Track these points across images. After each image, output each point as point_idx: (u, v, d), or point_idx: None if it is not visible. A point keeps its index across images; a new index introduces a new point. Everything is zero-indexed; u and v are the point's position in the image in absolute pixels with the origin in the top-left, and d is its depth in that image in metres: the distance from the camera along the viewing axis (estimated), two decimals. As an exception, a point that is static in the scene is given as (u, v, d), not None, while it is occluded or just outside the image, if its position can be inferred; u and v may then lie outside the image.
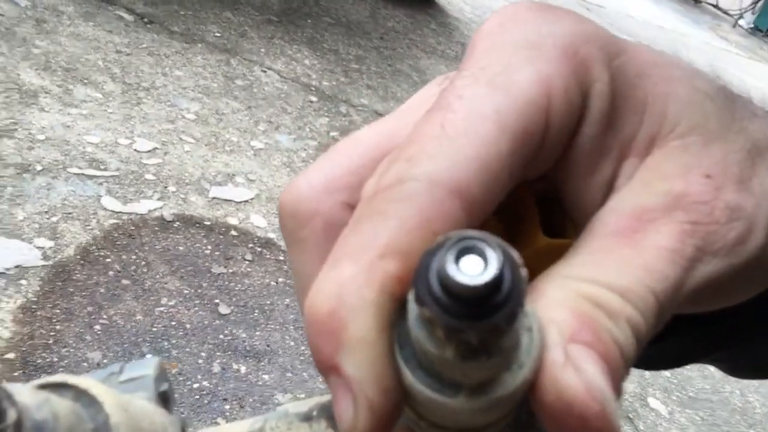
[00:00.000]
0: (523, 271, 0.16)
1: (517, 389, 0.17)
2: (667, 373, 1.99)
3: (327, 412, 0.28)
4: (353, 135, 0.24)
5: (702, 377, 2.05)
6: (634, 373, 1.92)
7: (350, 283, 0.18)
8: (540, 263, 0.21)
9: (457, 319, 0.15)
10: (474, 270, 0.15)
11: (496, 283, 0.15)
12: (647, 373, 1.94)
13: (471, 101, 0.19)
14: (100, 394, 0.22)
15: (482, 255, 0.16)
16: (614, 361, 0.18)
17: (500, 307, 0.15)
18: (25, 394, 0.18)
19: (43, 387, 0.21)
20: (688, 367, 2.20)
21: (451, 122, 0.19)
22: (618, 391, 0.18)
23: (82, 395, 0.22)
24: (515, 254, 0.16)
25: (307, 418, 0.29)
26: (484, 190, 0.19)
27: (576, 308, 0.18)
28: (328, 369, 0.18)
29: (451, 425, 0.19)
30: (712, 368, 2.19)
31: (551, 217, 0.24)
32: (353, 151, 0.23)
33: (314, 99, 2.63)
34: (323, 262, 0.19)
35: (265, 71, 2.65)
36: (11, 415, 0.15)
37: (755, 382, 2.15)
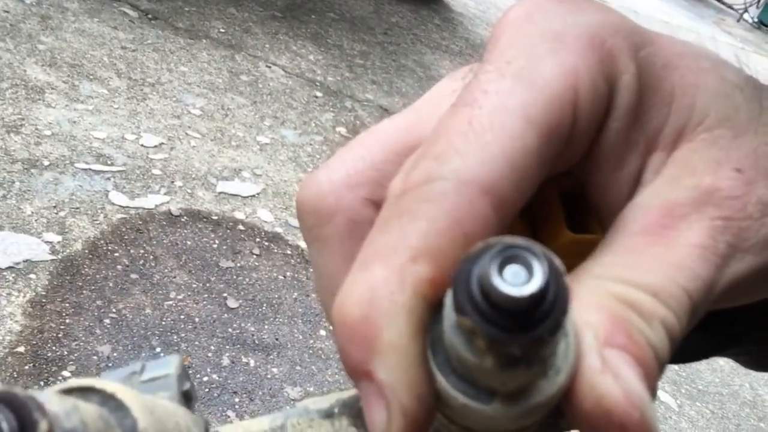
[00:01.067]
0: (567, 280, 0.16)
1: (553, 395, 0.17)
2: (675, 366, 1.99)
3: (348, 409, 0.27)
4: (373, 128, 0.23)
5: (711, 370, 2.04)
6: (643, 366, 1.92)
7: (382, 287, 0.17)
8: (565, 258, 0.20)
9: (501, 331, 0.15)
10: (519, 280, 0.15)
11: (542, 294, 0.15)
12: (656, 366, 1.95)
13: (497, 96, 0.19)
14: (127, 399, 0.21)
15: (527, 264, 0.15)
16: (649, 364, 0.18)
17: (545, 319, 0.15)
18: (53, 402, 0.18)
19: (69, 392, 0.21)
20: (696, 360, 2.20)
21: (478, 118, 0.19)
22: (654, 393, 0.18)
23: (108, 400, 0.21)
24: (559, 262, 0.16)
25: (328, 415, 0.28)
26: (513, 187, 0.18)
27: (610, 310, 0.18)
28: (359, 375, 0.18)
29: (483, 429, 0.19)
30: (721, 361, 2.18)
31: (575, 213, 0.23)
32: (374, 145, 0.22)
33: (319, 94, 2.62)
34: (346, 261, 0.20)
35: (269, 67, 2.65)
36: (43, 426, 0.15)
37: (765, 375, 2.14)
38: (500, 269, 0.15)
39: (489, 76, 0.20)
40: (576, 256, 0.20)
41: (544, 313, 0.15)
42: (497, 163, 0.18)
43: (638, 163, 0.21)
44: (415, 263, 0.17)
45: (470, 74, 0.21)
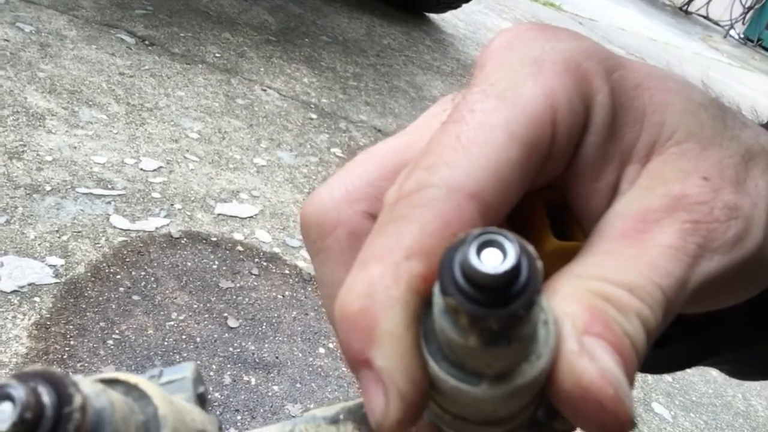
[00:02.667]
0: (539, 263, 0.18)
1: (536, 378, 0.19)
2: (669, 378, 2.01)
3: (353, 415, 0.29)
4: (369, 149, 0.26)
5: (704, 381, 2.07)
6: (637, 378, 1.94)
7: (379, 282, 0.19)
8: (552, 264, 0.23)
9: (480, 307, 0.17)
10: (494, 261, 0.17)
11: (514, 272, 0.17)
12: (650, 378, 1.97)
13: (482, 114, 0.21)
14: (148, 389, 0.23)
15: (501, 247, 0.17)
16: (625, 351, 0.20)
17: (519, 295, 0.17)
18: (85, 383, 0.20)
19: (96, 381, 0.24)
20: (690, 371, 2.21)
21: (465, 133, 0.21)
22: (631, 380, 0.20)
23: (131, 389, 0.24)
24: (531, 247, 0.18)
25: (334, 421, 0.30)
26: (497, 194, 0.21)
27: (587, 303, 0.20)
28: (359, 363, 0.20)
29: (474, 416, 0.20)
30: (714, 372, 2.21)
31: (561, 223, 0.26)
32: (370, 164, 0.25)
33: (314, 116, 2.67)
34: (348, 269, 0.21)
35: (265, 90, 2.70)
36: (77, 400, 0.17)
37: (757, 386, 2.17)
38: (478, 252, 0.17)
39: (475, 97, 0.22)
40: (562, 261, 0.23)
41: (519, 290, 0.17)
42: (482, 172, 0.20)
43: (615, 174, 0.24)
44: (409, 261, 0.19)
45: (459, 96, 0.24)
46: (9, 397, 0.16)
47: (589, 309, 0.20)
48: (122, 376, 0.25)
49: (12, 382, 0.17)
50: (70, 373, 0.20)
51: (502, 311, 0.17)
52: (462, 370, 0.19)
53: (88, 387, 0.19)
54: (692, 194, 0.22)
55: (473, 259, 0.17)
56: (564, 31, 0.24)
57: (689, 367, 0.42)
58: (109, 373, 0.24)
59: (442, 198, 0.20)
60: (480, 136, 0.21)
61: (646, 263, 0.21)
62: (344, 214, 0.24)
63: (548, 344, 0.19)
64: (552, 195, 0.25)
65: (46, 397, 0.17)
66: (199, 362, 1.38)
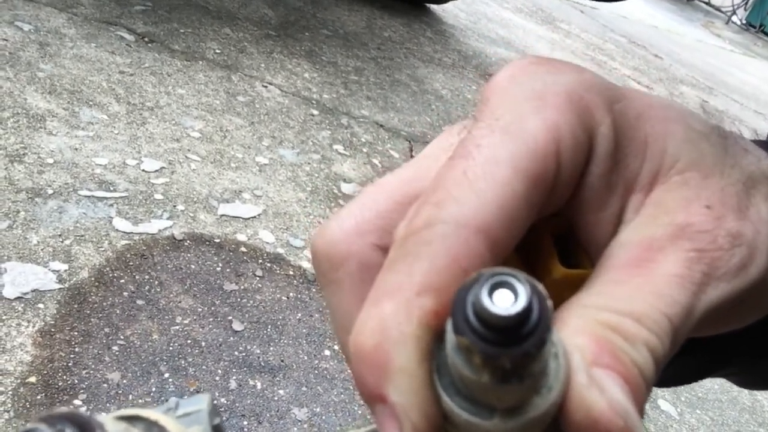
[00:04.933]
0: (549, 302, 0.18)
1: (547, 411, 0.19)
2: (675, 373, 2.02)
3: None
4: (378, 182, 0.26)
5: (710, 378, 2.07)
6: (643, 375, 1.94)
7: (392, 319, 0.20)
8: (559, 293, 0.23)
9: (493, 347, 0.18)
10: (506, 302, 0.17)
11: (525, 313, 0.17)
12: (655, 375, 1.97)
13: (488, 149, 0.22)
14: (168, 425, 0.24)
15: (512, 289, 0.18)
16: (634, 380, 0.20)
17: (531, 334, 0.17)
18: (109, 423, 0.20)
19: (118, 419, 0.24)
20: (695, 367, 2.22)
21: (472, 168, 0.21)
22: (641, 410, 0.20)
23: (152, 426, 0.24)
24: (541, 287, 0.18)
25: None
26: (504, 228, 0.21)
27: (595, 334, 0.20)
28: (374, 398, 0.20)
29: None
30: (719, 367, 2.22)
31: (568, 251, 0.26)
32: (380, 197, 0.25)
33: (315, 112, 2.65)
34: (359, 301, 0.22)
35: (266, 86, 2.68)
36: None
37: (762, 380, 2.18)
38: (490, 294, 0.18)
39: (481, 132, 0.22)
40: (569, 289, 0.23)
41: (530, 330, 0.17)
42: (490, 207, 0.21)
43: (619, 204, 0.24)
44: (420, 297, 0.20)
45: (464, 131, 0.24)
46: None
47: (597, 340, 0.20)
48: (143, 412, 0.25)
49: (40, 426, 0.17)
50: (94, 414, 0.20)
51: (514, 350, 0.18)
52: (474, 404, 0.19)
53: (112, 427, 0.20)
54: (695, 223, 0.22)
55: (485, 300, 0.18)
56: (566, 65, 0.24)
57: (700, 379, 0.42)
58: (130, 409, 0.25)
59: (450, 234, 0.20)
60: (486, 171, 0.21)
61: (652, 292, 0.21)
62: (354, 246, 0.24)
63: (559, 377, 0.19)
64: (559, 224, 0.25)
65: None
66: (204, 367, 1.37)
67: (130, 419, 0.24)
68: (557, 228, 0.25)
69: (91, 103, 2.11)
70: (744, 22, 11.59)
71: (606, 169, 0.23)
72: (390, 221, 0.24)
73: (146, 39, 2.67)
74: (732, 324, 0.26)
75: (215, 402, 1.35)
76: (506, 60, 4.38)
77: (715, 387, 2.03)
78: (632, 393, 0.20)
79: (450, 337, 0.19)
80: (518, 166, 0.21)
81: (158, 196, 1.80)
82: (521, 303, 0.17)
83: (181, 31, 2.86)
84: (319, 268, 0.25)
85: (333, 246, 0.24)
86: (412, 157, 2.87)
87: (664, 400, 1.86)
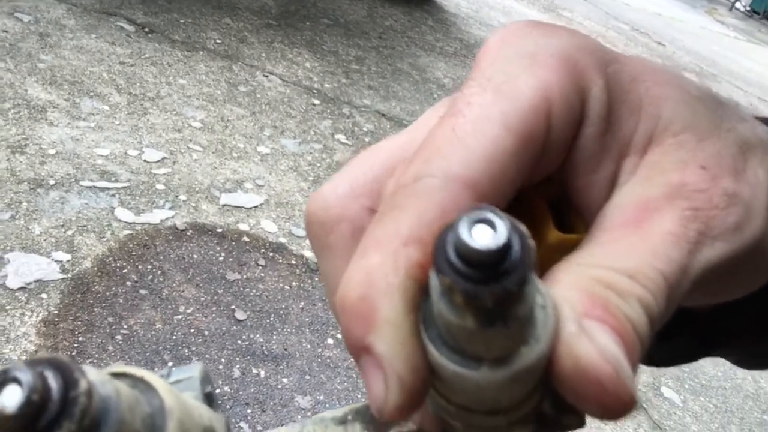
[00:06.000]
0: (530, 241, 0.18)
1: (536, 361, 0.19)
2: (678, 360, 2.02)
3: (361, 416, 0.29)
4: (372, 147, 0.26)
5: (713, 365, 2.07)
6: (646, 362, 1.94)
7: (378, 270, 0.19)
8: (554, 257, 0.23)
9: (474, 284, 0.17)
10: (485, 238, 0.17)
11: (505, 248, 0.17)
12: (659, 362, 1.97)
13: (479, 107, 0.22)
14: (155, 381, 0.24)
15: (492, 224, 0.18)
16: (627, 334, 0.19)
17: (511, 271, 0.17)
18: (91, 371, 0.20)
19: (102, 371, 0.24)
20: (698, 354, 2.22)
21: (462, 126, 0.21)
22: (635, 365, 0.20)
23: (138, 382, 0.24)
24: (522, 226, 0.18)
25: (342, 422, 0.31)
26: (493, 183, 0.21)
27: (588, 289, 0.20)
28: (360, 350, 0.20)
29: (477, 406, 0.21)
30: (722, 354, 2.22)
31: (563, 216, 0.26)
32: (374, 161, 0.25)
33: (317, 102, 2.64)
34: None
35: (267, 76, 2.67)
36: (83, 384, 0.17)
37: None
38: (470, 230, 0.17)
39: (472, 90, 0.22)
40: (564, 254, 0.23)
41: (511, 266, 0.17)
42: (478, 162, 0.21)
43: (613, 166, 0.24)
44: (407, 248, 0.20)
45: (458, 93, 0.23)
46: (16, 380, 0.17)
47: (589, 294, 0.20)
48: (129, 369, 0.25)
49: (19, 365, 0.17)
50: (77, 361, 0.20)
51: (495, 287, 0.17)
52: (461, 355, 0.19)
53: (94, 375, 0.20)
54: (691, 182, 0.22)
55: (465, 236, 0.17)
56: (560, 28, 0.24)
57: (693, 360, 0.42)
58: (116, 365, 0.25)
59: (438, 187, 0.20)
60: (476, 128, 0.21)
61: (647, 250, 0.21)
62: (348, 210, 0.24)
63: (547, 328, 0.19)
64: (553, 189, 0.25)
65: (53, 381, 0.17)
66: (207, 356, 1.38)
67: (116, 375, 0.24)
68: (551, 193, 0.25)
69: (91, 93, 2.10)
70: (748, 8, 11.51)
71: (599, 131, 0.23)
72: (383, 185, 0.24)
73: (146, 29, 2.66)
74: (730, 290, 0.26)
75: (218, 390, 1.35)
76: (508, 48, 4.37)
77: (718, 374, 2.03)
78: (625, 346, 0.19)
79: (433, 282, 0.18)
80: (508, 124, 0.21)
81: (160, 186, 1.79)
82: (501, 238, 0.17)
83: (182, 21, 2.85)
84: (312, 232, 0.25)
85: (326, 210, 0.24)
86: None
87: (667, 387, 1.86)
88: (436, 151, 0.21)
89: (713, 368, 2.05)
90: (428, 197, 0.20)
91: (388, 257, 0.20)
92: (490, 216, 0.18)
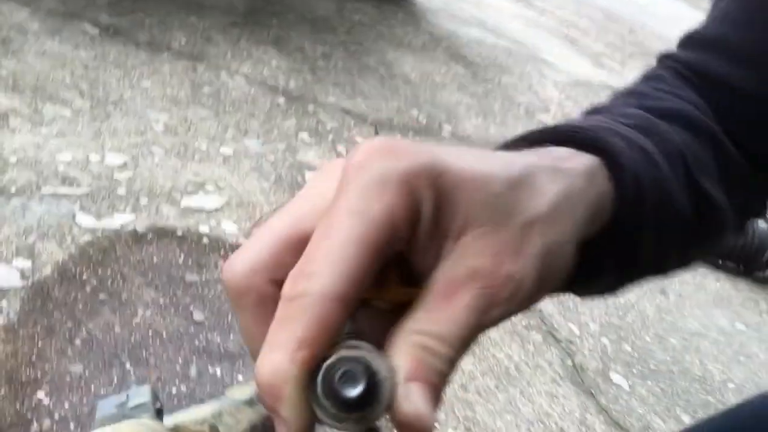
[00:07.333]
0: (386, 382, 0.29)
1: (379, 415, 0.30)
2: (628, 347, 2.10)
3: None
4: (267, 224, 0.34)
5: (663, 349, 2.16)
6: (597, 349, 2.02)
7: (280, 365, 0.30)
8: (400, 303, 0.34)
9: (342, 413, 0.29)
10: (350, 389, 0.29)
11: (364, 393, 0.29)
12: (610, 350, 2.05)
13: (343, 232, 0.31)
14: None
15: (355, 378, 0.29)
16: (436, 384, 0.31)
17: (368, 406, 0.29)
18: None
19: None
20: (648, 339, 2.27)
21: (331, 249, 0.31)
22: (438, 399, 0.32)
23: None
24: (381, 370, 0.29)
25: (251, 403, 0.48)
26: (357, 291, 0.31)
27: (412, 353, 0.31)
28: (272, 411, 0.31)
29: None
30: (673, 340, 2.29)
31: (408, 274, 0.36)
32: (271, 239, 0.33)
33: (281, 101, 2.69)
34: (260, 324, 0.32)
35: (231, 76, 2.71)
36: None
37: (715, 351, 2.26)
38: (341, 379, 0.29)
39: (338, 215, 0.31)
40: (407, 300, 0.34)
41: (368, 404, 0.29)
42: (345, 280, 0.30)
43: (439, 249, 0.34)
44: (300, 350, 0.30)
45: (342, 176, 0.33)
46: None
47: (413, 358, 0.31)
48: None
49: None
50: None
51: (355, 415, 0.29)
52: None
53: None
54: (484, 267, 0.33)
55: (336, 385, 0.29)
56: (405, 152, 0.34)
57: (618, 288, 0.52)
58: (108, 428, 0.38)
59: (317, 304, 0.30)
60: (342, 250, 0.31)
61: (452, 319, 0.32)
62: (252, 282, 0.33)
63: (387, 392, 0.30)
64: (400, 257, 0.36)
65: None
66: (165, 357, 1.43)
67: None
68: (398, 259, 0.36)
69: (54, 99, 2.13)
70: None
71: (429, 227, 0.33)
72: (281, 259, 0.33)
73: (111, 31, 2.68)
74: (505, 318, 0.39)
75: (175, 389, 1.40)
76: (479, 41, 4.42)
77: (667, 359, 2.12)
78: (433, 393, 0.31)
79: (318, 390, 0.30)
80: (365, 244, 0.31)
81: (121, 191, 1.84)
82: (359, 387, 0.28)
83: (147, 21, 2.87)
84: (228, 294, 0.34)
85: (236, 281, 0.33)
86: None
87: (616, 372, 1.94)
88: (313, 269, 0.30)
89: (662, 353, 2.14)
90: (311, 311, 0.30)
91: (287, 356, 0.29)
92: (356, 371, 0.29)
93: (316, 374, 0.30)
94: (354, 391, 0.28)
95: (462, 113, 3.30)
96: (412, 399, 0.30)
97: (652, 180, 0.47)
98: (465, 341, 0.32)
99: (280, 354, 0.30)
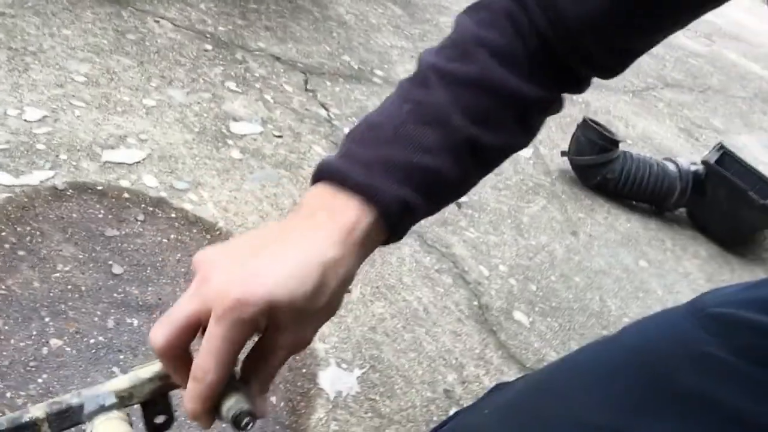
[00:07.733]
0: (254, 421, 0.58)
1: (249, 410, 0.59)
2: (533, 287, 2.27)
3: (162, 375, 0.62)
4: (181, 305, 0.57)
5: (566, 288, 2.34)
6: (504, 290, 2.18)
7: (194, 411, 0.57)
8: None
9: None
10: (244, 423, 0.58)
11: (249, 421, 0.58)
12: (516, 289, 2.21)
13: (220, 350, 0.54)
14: None
15: (252, 415, 0.58)
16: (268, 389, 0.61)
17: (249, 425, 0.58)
18: None
19: None
20: (553, 279, 2.44)
21: (214, 358, 0.54)
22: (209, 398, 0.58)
23: None
24: (257, 412, 0.59)
25: (151, 380, 0.61)
26: (228, 373, 0.56)
27: (260, 382, 0.62)
28: (191, 415, 0.57)
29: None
30: (576, 278, 2.46)
31: None
32: (174, 326, 0.55)
33: (209, 47, 2.69)
34: (177, 367, 0.57)
35: (158, 21, 2.69)
36: None
37: (615, 287, 2.46)
38: (243, 425, 0.57)
39: (217, 337, 0.54)
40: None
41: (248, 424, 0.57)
42: (221, 372, 0.55)
43: (267, 337, 0.61)
44: (205, 402, 0.56)
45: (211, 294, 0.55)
46: None
47: (260, 386, 0.62)
48: None
49: None
50: None
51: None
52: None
53: None
54: (285, 345, 0.61)
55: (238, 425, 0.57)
56: (218, 268, 0.57)
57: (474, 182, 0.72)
58: None
59: (211, 385, 0.55)
60: (219, 358, 0.55)
61: (272, 362, 0.61)
62: (169, 350, 0.56)
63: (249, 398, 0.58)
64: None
65: None
66: (84, 310, 1.52)
67: None
68: None
69: (-31, 50, 2.11)
70: None
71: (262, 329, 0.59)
72: (185, 338, 0.56)
73: (29, -26, 2.61)
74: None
75: (93, 340, 1.50)
76: (418, -23, 4.38)
77: (569, 296, 2.29)
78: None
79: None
80: (231, 355, 0.55)
81: (40, 146, 1.87)
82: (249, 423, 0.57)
83: (68, -38, 2.79)
84: (153, 352, 0.56)
85: (157, 347, 0.56)
86: (306, 90, 2.89)
87: (519, 311, 2.11)
88: (206, 370, 0.54)
89: (566, 291, 2.31)
90: (208, 388, 0.54)
91: (198, 406, 0.57)
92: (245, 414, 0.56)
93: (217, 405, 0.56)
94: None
95: (395, 57, 3.34)
96: (260, 407, 0.59)
97: (417, 185, 0.60)
98: (283, 362, 0.60)
99: (192, 406, 0.56)
